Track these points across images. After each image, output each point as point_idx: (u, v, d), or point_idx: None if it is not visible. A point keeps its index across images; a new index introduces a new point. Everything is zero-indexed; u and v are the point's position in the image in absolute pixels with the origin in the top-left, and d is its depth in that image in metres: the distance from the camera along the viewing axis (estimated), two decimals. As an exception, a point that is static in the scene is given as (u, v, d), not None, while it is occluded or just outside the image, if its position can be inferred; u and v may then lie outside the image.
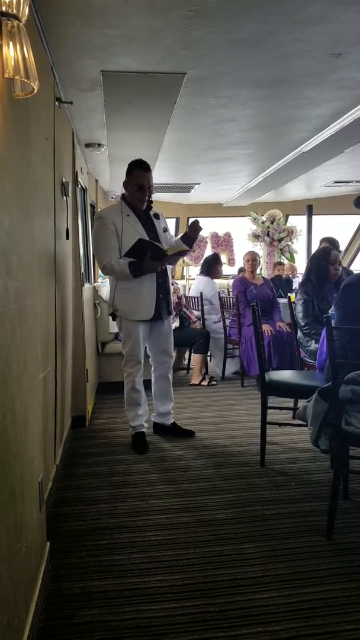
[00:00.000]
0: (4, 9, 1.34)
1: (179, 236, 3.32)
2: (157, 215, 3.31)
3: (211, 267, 5.81)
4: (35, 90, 1.50)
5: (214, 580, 1.92)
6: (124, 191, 3.24)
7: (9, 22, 1.35)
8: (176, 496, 2.62)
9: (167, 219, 3.48)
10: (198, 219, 3.36)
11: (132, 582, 1.92)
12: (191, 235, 3.22)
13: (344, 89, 3.34)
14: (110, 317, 3.39)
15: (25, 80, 1.41)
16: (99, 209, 6.19)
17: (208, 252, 8.90)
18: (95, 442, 3.46)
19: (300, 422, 2.48)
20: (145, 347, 3.41)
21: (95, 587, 1.89)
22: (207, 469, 2.95)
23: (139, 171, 3.12)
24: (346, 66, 2.96)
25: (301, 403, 2.49)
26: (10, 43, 1.36)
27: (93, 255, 5.30)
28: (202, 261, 6.34)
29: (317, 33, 2.53)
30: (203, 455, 3.17)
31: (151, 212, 3.28)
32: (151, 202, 3.25)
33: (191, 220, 3.30)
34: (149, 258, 3.02)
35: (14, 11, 1.35)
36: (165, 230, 3.33)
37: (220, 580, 1.91)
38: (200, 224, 3.21)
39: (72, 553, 2.13)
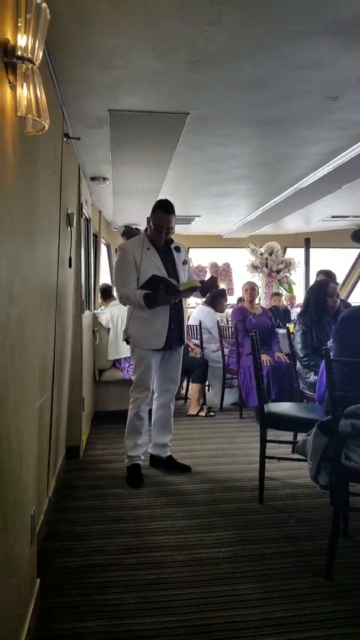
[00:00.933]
0: (19, 53, 1.40)
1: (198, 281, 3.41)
2: (178, 249, 3.42)
3: (215, 300, 5.86)
4: (46, 128, 1.54)
5: (210, 622, 1.86)
6: (147, 225, 3.39)
7: (24, 65, 1.41)
8: (172, 533, 2.57)
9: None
10: (213, 275, 3.52)
11: (125, 623, 1.86)
12: (207, 287, 3.40)
13: (340, 129, 3.44)
14: (125, 342, 3.48)
15: (37, 118, 1.46)
16: (102, 239, 6.29)
17: (208, 281, 8.96)
18: (90, 474, 3.40)
19: (299, 456, 2.45)
20: None
21: (85, 629, 1.83)
22: (204, 505, 2.90)
23: (160, 212, 3.26)
24: (342, 108, 3.06)
25: (301, 437, 2.47)
26: (24, 84, 1.41)
27: (94, 282, 5.36)
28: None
29: (315, 77, 2.63)
30: (200, 490, 3.12)
31: (172, 245, 3.40)
32: (169, 240, 3.37)
33: (207, 275, 3.51)
34: (163, 292, 3.11)
35: (29, 55, 1.41)
36: (185, 262, 3.44)
37: (216, 623, 1.86)
38: (216, 280, 3.46)
39: (63, 591, 2.07)
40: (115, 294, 4.66)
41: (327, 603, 1.99)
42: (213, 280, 3.43)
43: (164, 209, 3.25)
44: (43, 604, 1.95)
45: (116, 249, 6.70)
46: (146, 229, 3.39)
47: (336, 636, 1.79)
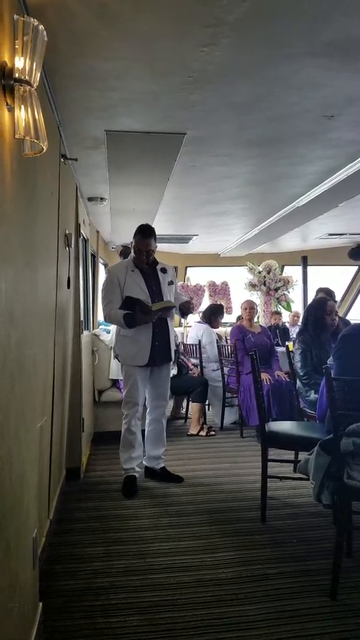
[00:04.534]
0: (17, 75, 1.42)
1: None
2: (164, 270, 3.55)
3: (212, 317, 5.85)
4: (44, 150, 1.56)
5: (215, 646, 1.82)
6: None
7: (22, 87, 1.43)
8: (175, 554, 2.53)
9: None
10: (190, 300, 3.71)
11: (129, 647, 1.82)
12: (183, 310, 3.57)
13: (336, 147, 3.49)
14: (115, 359, 3.69)
15: (35, 140, 1.48)
16: (100, 259, 6.32)
17: (206, 300, 8.99)
18: (91, 495, 3.36)
19: (300, 475, 2.42)
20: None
21: (89, 654, 1.79)
22: (206, 526, 2.86)
23: (139, 237, 3.40)
24: (338, 127, 3.11)
25: (302, 455, 2.45)
26: (22, 106, 1.43)
27: (93, 302, 5.36)
28: (203, 309, 6.39)
29: (310, 96, 2.68)
30: (203, 510, 3.08)
31: (158, 267, 3.53)
32: (154, 262, 3.49)
33: (185, 300, 3.63)
34: (139, 312, 3.24)
35: (27, 77, 1.43)
36: (171, 283, 3.55)
37: (221, 646, 1.82)
38: (192, 303, 3.67)
39: (66, 614, 2.03)
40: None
41: (332, 623, 1.96)
42: (187, 304, 3.57)
43: (142, 234, 3.40)
44: (46, 628, 1.91)
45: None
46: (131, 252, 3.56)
47: (344, 658, 1.75)
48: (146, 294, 3.37)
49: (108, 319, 3.46)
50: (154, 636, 1.88)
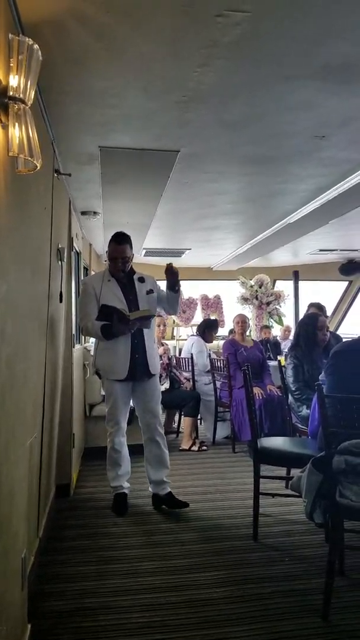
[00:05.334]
0: (11, 93, 1.43)
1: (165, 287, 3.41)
2: (142, 279, 3.43)
3: (207, 330, 5.85)
4: (38, 168, 1.57)
5: (206, 669, 1.79)
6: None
7: (16, 105, 1.44)
8: (165, 573, 2.49)
9: (158, 281, 3.58)
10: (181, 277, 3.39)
11: (118, 671, 1.78)
12: (170, 279, 3.31)
13: (328, 166, 3.54)
14: (97, 376, 3.50)
15: (29, 158, 1.48)
16: (92, 271, 6.31)
17: (198, 313, 9.01)
18: (81, 513, 3.31)
19: (292, 491, 2.41)
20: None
21: None
22: (198, 544, 2.83)
23: (113, 244, 3.34)
24: (330, 147, 3.15)
25: (294, 472, 2.44)
26: (16, 124, 1.44)
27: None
28: (197, 323, 6.39)
29: (303, 117, 2.72)
30: (194, 528, 3.04)
31: (135, 276, 3.42)
32: (127, 270, 3.36)
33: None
34: (117, 322, 3.14)
35: (21, 96, 1.44)
36: (150, 292, 3.40)
37: (212, 670, 1.79)
38: (175, 269, 3.29)
39: (54, 637, 1.99)
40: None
41: (325, 646, 1.93)
42: (169, 270, 3.26)
43: (116, 240, 3.32)
44: (32, 652, 1.87)
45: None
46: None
47: None
48: (123, 303, 3.25)
49: (85, 332, 3.39)
50: (144, 659, 1.84)
